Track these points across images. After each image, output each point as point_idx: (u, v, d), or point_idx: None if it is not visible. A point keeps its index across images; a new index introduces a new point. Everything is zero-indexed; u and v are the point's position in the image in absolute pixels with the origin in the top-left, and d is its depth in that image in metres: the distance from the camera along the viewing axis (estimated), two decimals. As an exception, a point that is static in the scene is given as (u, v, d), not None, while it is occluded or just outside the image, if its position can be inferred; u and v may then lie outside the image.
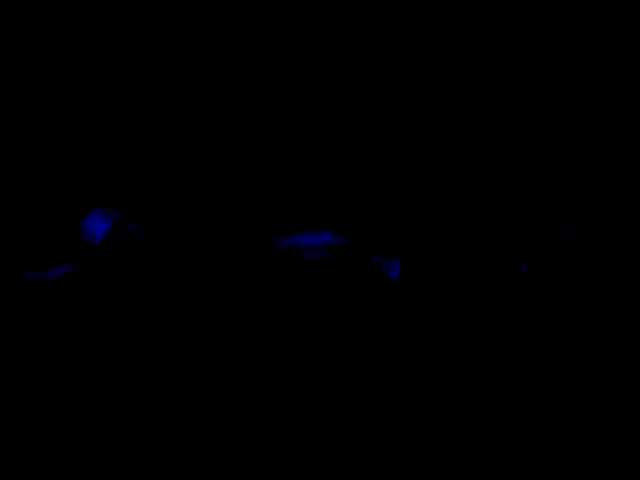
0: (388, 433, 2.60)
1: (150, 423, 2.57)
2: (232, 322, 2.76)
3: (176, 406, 2.61)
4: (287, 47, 3.05)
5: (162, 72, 3.00)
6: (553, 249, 2.85)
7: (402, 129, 3.01)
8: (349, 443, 2.57)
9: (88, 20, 3.01)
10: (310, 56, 3.03)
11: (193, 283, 2.81)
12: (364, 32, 3.03)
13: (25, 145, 2.93)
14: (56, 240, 2.81)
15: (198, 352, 2.70)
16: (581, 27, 3.02)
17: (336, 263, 2.85)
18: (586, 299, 2.80)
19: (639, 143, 2.99)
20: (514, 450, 2.55)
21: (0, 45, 2.99)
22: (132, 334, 2.70)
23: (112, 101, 2.98)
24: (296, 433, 2.59)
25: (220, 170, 2.99)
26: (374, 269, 2.84)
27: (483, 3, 3.03)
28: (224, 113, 3.00)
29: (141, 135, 2.97)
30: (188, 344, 2.71)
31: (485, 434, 2.59)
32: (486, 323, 2.79)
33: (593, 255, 2.84)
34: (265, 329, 2.76)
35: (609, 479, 2.48)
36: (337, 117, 3.03)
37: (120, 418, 2.56)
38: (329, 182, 3.00)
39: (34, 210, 2.87)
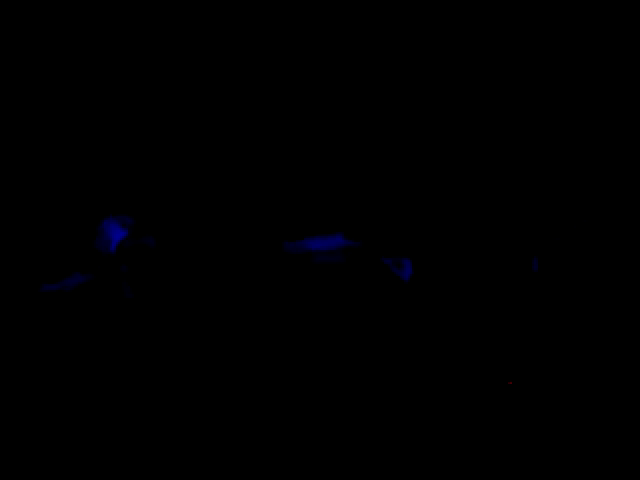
0: (394, 433, 2.61)
1: (160, 427, 2.59)
2: (244, 328, 2.77)
3: (188, 412, 2.62)
4: (293, 52, 3.06)
5: (179, 84, 3.02)
6: (564, 247, 2.85)
7: (412, 131, 3.02)
8: (355, 442, 2.59)
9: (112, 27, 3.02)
10: (324, 61, 3.04)
11: (204, 290, 2.83)
12: (369, 34, 3.04)
13: (39, 156, 2.95)
14: (70, 250, 2.83)
15: (209, 358, 2.72)
16: (581, 27, 3.02)
17: (347, 265, 2.86)
18: (595, 296, 2.81)
19: None
20: (519, 450, 2.56)
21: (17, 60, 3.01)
22: (143, 342, 2.71)
23: (125, 112, 3.00)
24: (304, 434, 2.60)
25: (229, 177, 3.00)
26: (385, 270, 2.85)
27: (483, 3, 3.04)
28: (234, 122, 3.01)
29: (152, 145, 2.99)
30: (199, 350, 2.73)
31: (490, 433, 2.60)
32: (496, 322, 2.80)
33: (601, 252, 2.85)
34: (278, 334, 2.77)
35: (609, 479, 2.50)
36: (347, 121, 3.04)
37: (129, 422, 2.58)
38: (339, 185, 3.01)
39: (48, 220, 2.89)
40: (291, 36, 3.07)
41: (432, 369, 2.73)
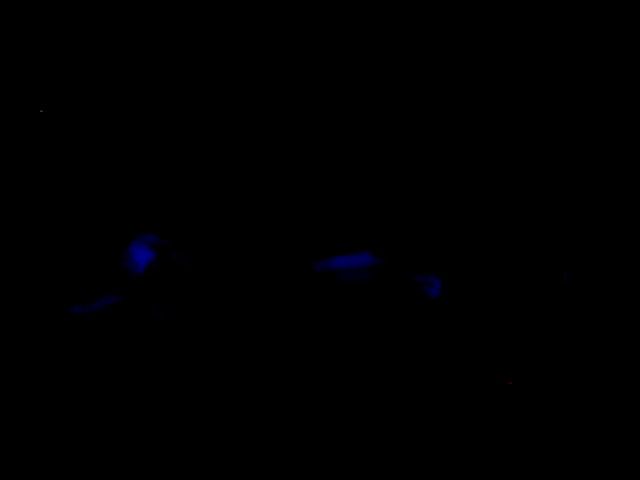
0: (422, 444, 2.61)
1: (190, 448, 2.59)
2: (271, 346, 2.77)
3: (219, 430, 2.62)
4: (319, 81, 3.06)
5: (207, 104, 3.03)
6: (593, 258, 2.85)
7: (443, 151, 3.02)
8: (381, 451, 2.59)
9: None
10: (352, 83, 3.05)
11: (233, 309, 2.83)
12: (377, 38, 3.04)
13: (65, 180, 2.96)
14: (99, 272, 2.84)
15: (235, 373, 2.72)
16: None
17: (375, 284, 2.86)
18: (621, 303, 2.81)
19: None
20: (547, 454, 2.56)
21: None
22: (171, 360, 2.71)
23: (153, 131, 3.01)
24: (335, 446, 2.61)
25: (257, 197, 3.01)
26: (413, 288, 2.85)
27: (483, 3, 3.03)
28: (260, 142, 3.02)
29: (180, 167, 3.00)
30: (226, 366, 2.73)
31: (516, 442, 2.59)
32: (526, 336, 2.79)
33: (627, 263, 2.85)
34: (308, 352, 2.77)
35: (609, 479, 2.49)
36: (378, 139, 3.05)
37: (154, 440, 2.59)
38: (368, 203, 3.01)
39: (77, 242, 2.89)
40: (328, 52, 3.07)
41: (460, 384, 2.72)
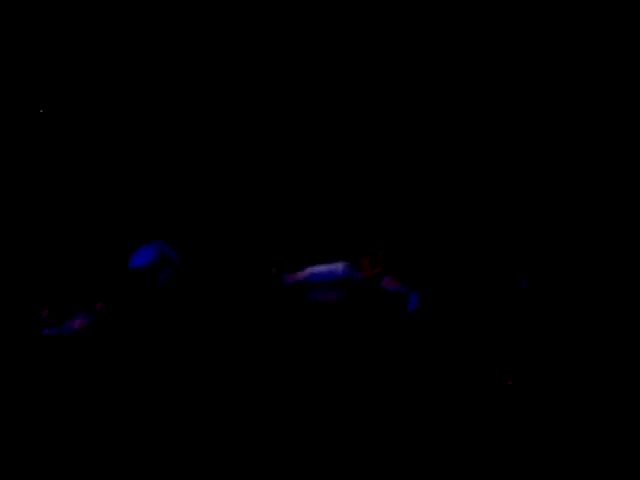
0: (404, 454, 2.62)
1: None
2: (249, 366, 2.76)
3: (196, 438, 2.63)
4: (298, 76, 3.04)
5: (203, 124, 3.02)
6: (547, 268, 2.91)
7: (414, 161, 3.01)
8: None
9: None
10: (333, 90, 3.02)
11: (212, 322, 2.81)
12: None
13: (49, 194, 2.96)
14: (71, 292, 2.83)
15: (214, 383, 2.72)
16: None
17: (350, 299, 2.83)
18: (583, 307, 2.86)
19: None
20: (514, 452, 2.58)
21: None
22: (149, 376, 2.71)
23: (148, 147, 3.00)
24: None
25: (236, 204, 3.00)
26: (388, 303, 2.82)
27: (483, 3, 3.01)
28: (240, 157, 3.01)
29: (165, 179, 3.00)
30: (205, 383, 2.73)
31: (491, 441, 2.61)
32: (492, 336, 2.81)
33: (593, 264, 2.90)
34: (285, 367, 2.77)
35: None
36: (353, 147, 3.03)
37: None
38: (341, 213, 3.00)
39: (50, 263, 2.89)
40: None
41: (436, 393, 2.72)
